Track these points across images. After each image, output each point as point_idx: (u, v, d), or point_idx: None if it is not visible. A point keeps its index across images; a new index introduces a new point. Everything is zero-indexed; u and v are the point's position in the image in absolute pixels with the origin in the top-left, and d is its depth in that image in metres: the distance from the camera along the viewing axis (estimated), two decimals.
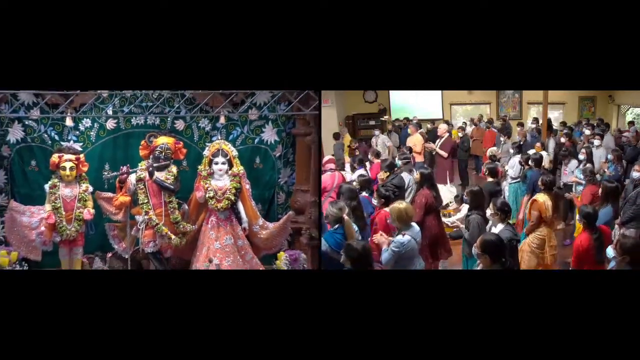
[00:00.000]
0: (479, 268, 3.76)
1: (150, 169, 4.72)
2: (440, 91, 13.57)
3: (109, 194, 4.87)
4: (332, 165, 6.53)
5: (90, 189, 4.79)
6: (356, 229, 4.52)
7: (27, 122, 5.04)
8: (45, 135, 5.09)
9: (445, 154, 9.30)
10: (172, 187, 4.75)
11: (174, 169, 4.78)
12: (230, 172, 4.82)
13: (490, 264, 3.51)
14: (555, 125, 11.58)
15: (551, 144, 9.52)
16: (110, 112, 5.09)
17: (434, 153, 9.86)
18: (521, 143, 9.15)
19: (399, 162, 6.81)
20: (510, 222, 4.88)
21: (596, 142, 8.31)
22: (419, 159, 9.60)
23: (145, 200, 4.70)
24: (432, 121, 12.61)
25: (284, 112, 5.20)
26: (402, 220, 4.34)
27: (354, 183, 6.09)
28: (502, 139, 9.94)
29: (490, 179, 6.36)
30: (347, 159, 8.64)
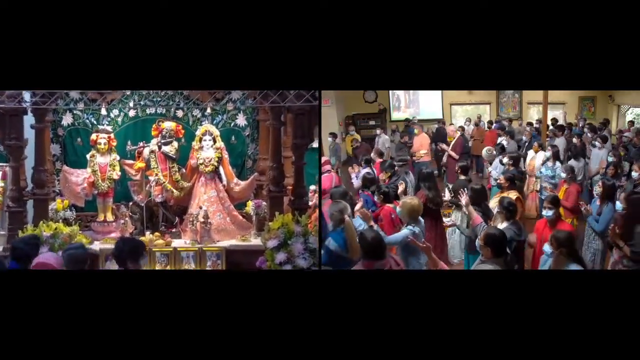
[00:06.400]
0: (479, 268, 3.60)
1: (159, 144, 5.72)
2: (440, 91, 13.09)
3: (131, 161, 5.85)
4: (328, 167, 6.58)
5: (118, 157, 5.75)
6: (363, 226, 4.37)
7: (75, 112, 5.99)
8: (87, 121, 6.06)
9: (456, 155, 9.07)
10: (174, 156, 5.78)
11: (175, 144, 5.79)
12: (214, 146, 5.78)
13: (492, 255, 3.47)
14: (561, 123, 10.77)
15: (561, 142, 8.79)
16: (131, 104, 6.01)
17: (440, 153, 9.59)
18: (527, 143, 8.64)
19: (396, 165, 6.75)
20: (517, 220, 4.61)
21: (597, 143, 7.96)
22: (426, 158, 9.44)
23: (156, 166, 5.72)
24: (437, 121, 12.23)
25: (251, 104, 5.99)
26: (412, 216, 4.37)
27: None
28: (505, 140, 9.26)
29: (462, 177, 6.27)
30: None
